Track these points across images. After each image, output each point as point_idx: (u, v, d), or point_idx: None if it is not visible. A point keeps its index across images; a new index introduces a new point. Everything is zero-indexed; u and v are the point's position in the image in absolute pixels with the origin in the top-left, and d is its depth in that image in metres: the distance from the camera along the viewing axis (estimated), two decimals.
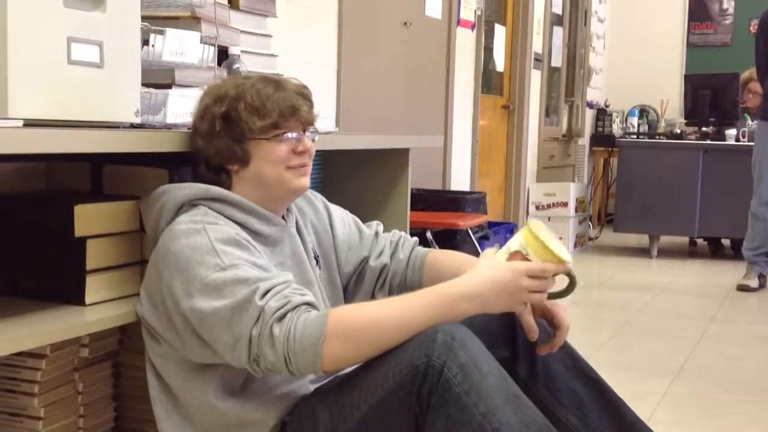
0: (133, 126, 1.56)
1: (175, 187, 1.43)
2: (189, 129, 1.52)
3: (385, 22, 3.88)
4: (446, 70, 4.53)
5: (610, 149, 6.78)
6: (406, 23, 4.03)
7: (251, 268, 1.30)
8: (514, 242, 1.35)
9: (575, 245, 5.79)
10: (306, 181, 1.47)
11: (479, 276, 1.31)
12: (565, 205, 5.70)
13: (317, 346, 1.23)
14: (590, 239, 6.24)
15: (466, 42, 4.75)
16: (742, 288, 4.37)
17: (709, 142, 5.41)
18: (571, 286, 1.38)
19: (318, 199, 1.69)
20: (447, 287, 1.31)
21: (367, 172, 2.67)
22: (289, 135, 1.43)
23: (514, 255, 1.33)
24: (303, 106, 1.45)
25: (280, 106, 1.42)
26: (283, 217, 1.52)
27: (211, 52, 1.93)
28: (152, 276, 1.38)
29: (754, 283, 4.39)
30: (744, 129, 5.30)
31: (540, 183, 5.93)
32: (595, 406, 1.47)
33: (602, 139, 7.07)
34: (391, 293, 1.64)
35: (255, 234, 1.43)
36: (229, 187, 1.45)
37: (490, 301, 1.29)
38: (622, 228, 5.62)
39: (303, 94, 1.47)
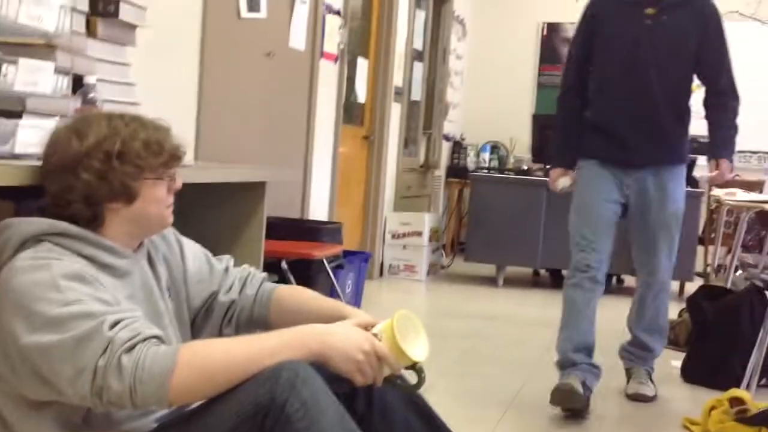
0: None
1: (20, 222, 1.42)
2: (42, 161, 1.50)
3: (248, 53, 3.93)
4: (308, 101, 4.62)
5: (464, 181, 7.06)
6: (269, 54, 4.10)
7: (97, 303, 1.32)
8: (379, 327, 1.45)
9: (428, 273, 6.00)
10: (172, 217, 1.57)
11: (333, 325, 1.43)
12: (420, 234, 5.90)
13: (166, 376, 1.26)
14: (442, 267, 6.48)
15: (328, 74, 4.87)
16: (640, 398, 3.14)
17: None
18: (419, 383, 1.47)
19: (170, 231, 1.72)
20: (300, 327, 1.41)
21: (223, 203, 2.71)
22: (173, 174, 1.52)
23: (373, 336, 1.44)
24: (183, 149, 1.53)
25: (173, 148, 1.50)
26: (134, 251, 1.55)
27: (65, 82, 1.93)
28: None
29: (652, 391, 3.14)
30: None
31: (397, 212, 6.11)
32: None
33: (457, 171, 7.37)
34: (238, 329, 1.69)
35: (104, 267, 1.45)
36: (102, 224, 1.46)
37: (334, 347, 1.37)
38: (472, 258, 5.88)
39: (173, 134, 1.54)
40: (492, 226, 5.70)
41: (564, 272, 6.02)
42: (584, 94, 3.06)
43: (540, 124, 6.06)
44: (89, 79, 2.02)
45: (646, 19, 2.90)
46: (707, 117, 3.03)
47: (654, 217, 3.01)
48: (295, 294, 1.71)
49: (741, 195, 4.02)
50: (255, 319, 1.69)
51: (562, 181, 3.14)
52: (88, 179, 1.43)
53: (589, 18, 3.04)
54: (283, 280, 3.41)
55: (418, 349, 1.44)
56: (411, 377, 1.48)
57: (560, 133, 3.18)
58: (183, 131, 3.31)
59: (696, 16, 2.94)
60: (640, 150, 2.95)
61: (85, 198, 1.44)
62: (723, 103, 3.01)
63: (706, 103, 3.05)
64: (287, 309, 1.67)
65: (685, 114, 3.02)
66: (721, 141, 3.00)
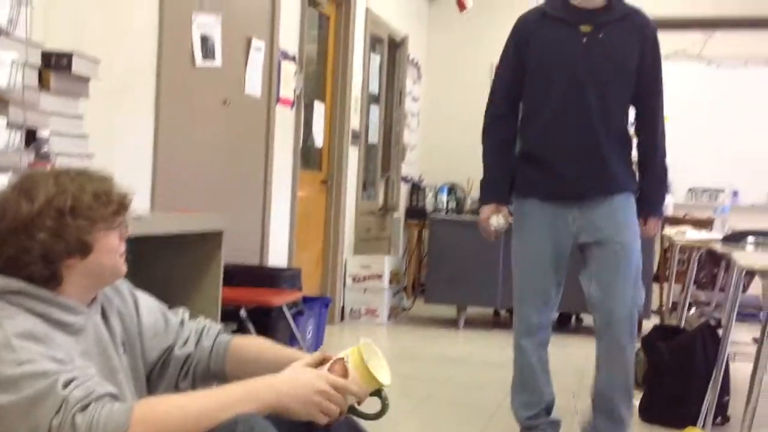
0: None
1: None
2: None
3: (204, 100, 3.95)
4: (265, 147, 4.64)
5: (423, 222, 7.10)
6: (225, 101, 4.11)
7: (50, 362, 1.31)
8: (343, 352, 1.47)
9: (389, 316, 6.00)
10: (126, 265, 1.56)
11: (283, 373, 1.43)
12: (380, 277, 5.91)
13: None
14: (404, 309, 6.48)
15: (285, 119, 4.89)
16: None
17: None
18: (383, 411, 1.48)
19: (124, 286, 1.72)
20: (252, 380, 1.41)
21: (180, 252, 2.70)
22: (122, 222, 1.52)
23: (337, 361, 1.45)
24: (130, 196, 1.54)
25: (120, 196, 1.51)
26: (87, 305, 1.54)
27: (18, 137, 1.93)
28: None
29: None
30: None
31: (357, 255, 6.12)
32: None
33: (416, 213, 7.41)
34: (194, 382, 1.68)
35: (57, 324, 1.44)
36: (60, 282, 1.45)
37: (288, 394, 1.38)
38: (433, 299, 5.89)
39: (117, 182, 1.55)
40: (451, 268, 5.73)
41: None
42: (514, 123, 2.80)
43: None
44: (42, 133, 2.02)
45: (581, 37, 2.67)
46: (638, 147, 2.82)
47: (610, 251, 2.69)
48: (252, 344, 1.71)
49: (691, 233, 4.11)
50: (212, 372, 1.68)
51: (495, 219, 2.82)
52: (43, 239, 1.43)
53: (517, 39, 2.77)
54: (242, 328, 3.39)
55: (382, 374, 1.45)
56: (372, 408, 1.48)
57: (489, 165, 2.86)
58: (139, 180, 3.33)
59: (635, 34, 2.72)
60: (582, 180, 2.70)
61: (42, 257, 1.44)
62: (652, 142, 2.80)
63: (636, 130, 2.82)
64: (244, 359, 1.67)
65: (626, 139, 2.79)
66: (648, 194, 2.81)
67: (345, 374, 1.43)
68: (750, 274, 3.75)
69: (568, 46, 2.69)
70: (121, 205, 1.51)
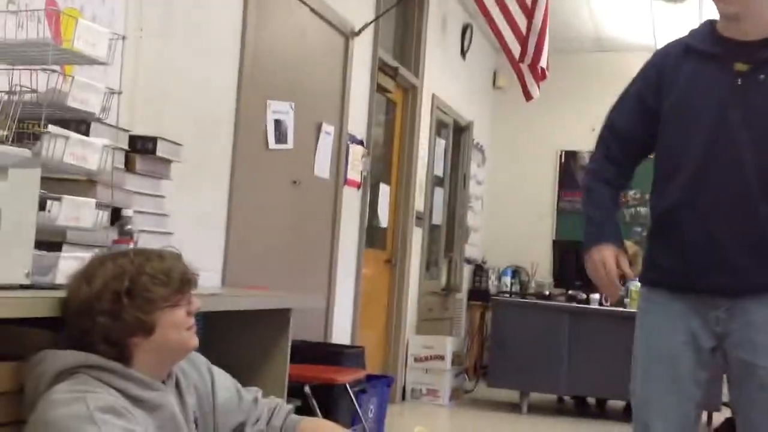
0: (22, 286, 1.63)
1: (54, 355, 1.49)
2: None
3: (275, 181, 4.09)
4: (332, 226, 4.74)
5: (486, 304, 7.07)
6: (295, 182, 4.25)
7: None
8: None
9: (451, 398, 5.93)
10: (197, 338, 1.61)
11: None
12: (442, 358, 5.88)
13: None
14: (466, 392, 6.41)
15: (352, 200, 5.01)
16: None
17: (575, 304, 5.76)
18: None
19: (202, 362, 1.79)
20: None
21: (249, 328, 2.77)
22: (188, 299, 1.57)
23: None
24: (193, 272, 1.60)
25: (181, 274, 1.58)
26: (163, 382, 1.61)
27: (105, 216, 2.04)
28: None
29: None
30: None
31: (419, 335, 6.11)
32: None
33: (479, 294, 7.39)
34: None
35: (134, 400, 1.51)
36: (129, 360, 1.52)
37: None
38: (495, 383, 5.82)
39: (183, 260, 1.63)
40: (515, 351, 5.67)
41: (589, 399, 6.01)
42: (627, 173, 2.20)
43: (561, 249, 6.12)
44: (126, 212, 2.13)
45: (735, 77, 2.01)
46: None
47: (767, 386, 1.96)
48: (318, 428, 1.76)
49: None
50: None
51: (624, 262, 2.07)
52: (102, 321, 1.51)
53: (650, 75, 2.12)
54: (306, 404, 3.42)
55: None
56: None
57: (594, 206, 2.17)
58: (212, 257, 3.42)
59: None
60: (733, 268, 2.00)
61: (105, 339, 1.52)
62: None
63: None
64: None
65: None
66: None
67: None
68: None
69: (716, 89, 2.02)
70: (183, 282, 1.57)
